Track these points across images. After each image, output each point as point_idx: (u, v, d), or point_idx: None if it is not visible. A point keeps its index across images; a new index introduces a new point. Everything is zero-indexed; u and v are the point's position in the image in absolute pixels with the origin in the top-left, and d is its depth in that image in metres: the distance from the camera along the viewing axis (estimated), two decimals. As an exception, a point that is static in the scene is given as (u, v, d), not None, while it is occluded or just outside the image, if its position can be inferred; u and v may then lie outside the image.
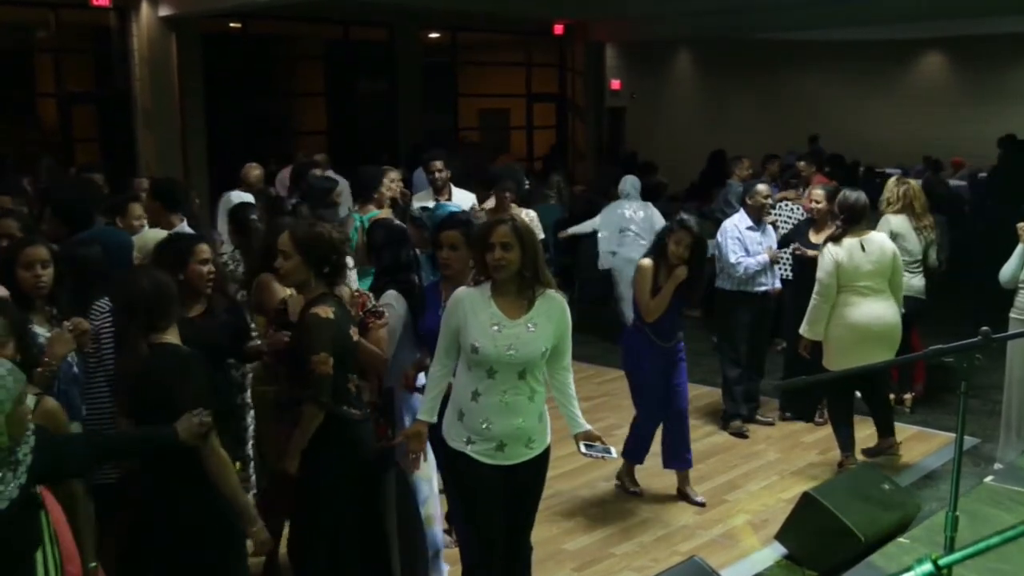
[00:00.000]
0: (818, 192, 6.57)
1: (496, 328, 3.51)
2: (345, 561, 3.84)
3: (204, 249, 4.07)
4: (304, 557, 3.88)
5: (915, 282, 6.54)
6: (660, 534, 5.11)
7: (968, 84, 19.87)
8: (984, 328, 2.37)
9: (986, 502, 3.05)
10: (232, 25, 13.78)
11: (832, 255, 5.67)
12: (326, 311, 3.65)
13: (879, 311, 5.65)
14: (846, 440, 5.87)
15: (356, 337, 3.84)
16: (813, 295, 5.73)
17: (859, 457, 5.97)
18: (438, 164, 7.07)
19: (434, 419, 3.71)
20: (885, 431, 6.04)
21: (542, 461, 3.74)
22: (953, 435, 5.39)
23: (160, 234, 4.83)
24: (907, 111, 20.17)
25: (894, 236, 6.25)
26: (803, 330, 5.82)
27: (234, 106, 13.70)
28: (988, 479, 3.38)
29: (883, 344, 5.61)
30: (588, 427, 3.72)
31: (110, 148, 12.61)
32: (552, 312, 3.60)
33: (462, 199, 7.10)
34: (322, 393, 3.59)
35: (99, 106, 13.10)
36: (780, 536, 4.83)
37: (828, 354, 5.75)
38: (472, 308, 3.56)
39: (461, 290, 3.67)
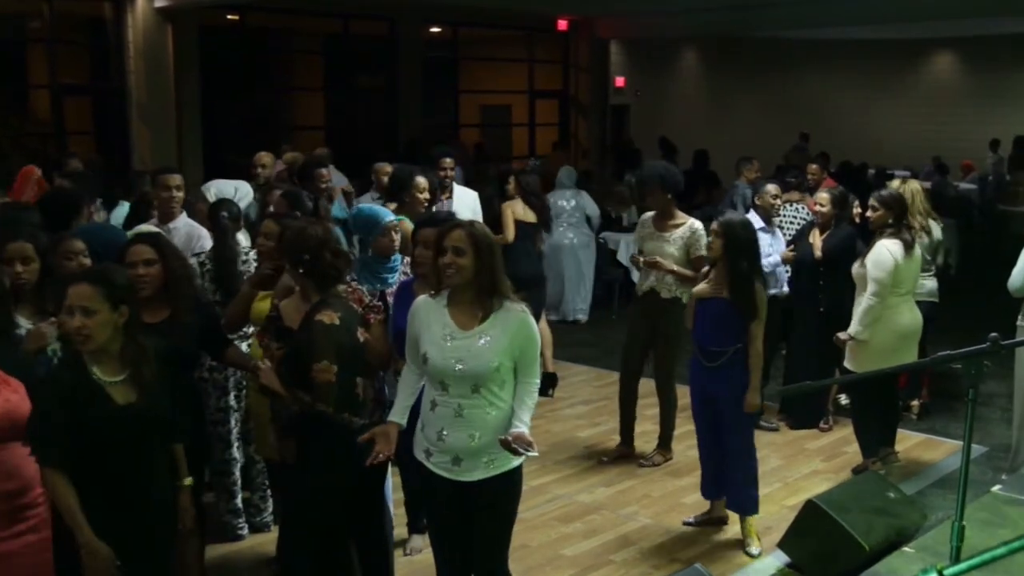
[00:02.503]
0: (823, 195, 6.55)
1: (447, 339, 3.44)
2: (336, 566, 3.83)
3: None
4: (293, 561, 3.88)
5: (930, 284, 6.55)
6: (660, 541, 5.10)
7: (978, 85, 19.86)
8: (993, 334, 2.36)
9: (993, 512, 3.04)
10: (229, 17, 13.78)
11: (890, 253, 5.56)
12: (331, 316, 3.61)
13: (915, 314, 5.75)
14: (870, 444, 5.88)
15: (363, 337, 3.82)
16: (869, 295, 5.56)
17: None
18: (448, 161, 6.99)
19: (403, 422, 3.62)
20: (885, 440, 6.00)
21: (507, 482, 3.54)
22: (960, 443, 5.38)
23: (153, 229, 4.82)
24: (916, 112, 20.18)
25: None
26: (857, 332, 5.61)
27: (231, 100, 13.69)
28: (996, 488, 3.36)
29: (914, 345, 5.72)
30: (523, 429, 3.45)
31: (104, 141, 12.61)
32: (509, 325, 3.46)
33: (463, 197, 7.06)
34: (324, 402, 3.57)
35: (93, 98, 13.10)
36: (783, 544, 4.82)
37: (867, 357, 5.63)
38: (427, 317, 3.51)
39: (420, 299, 3.62)
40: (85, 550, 3.07)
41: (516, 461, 3.54)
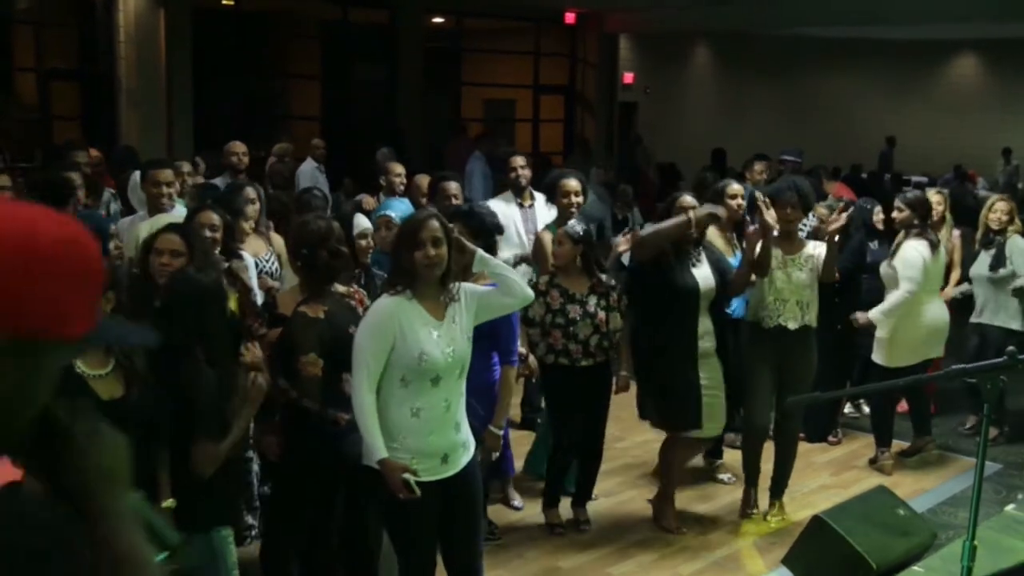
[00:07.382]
0: (820, 209, 6.54)
1: (436, 333, 3.46)
2: (320, 571, 3.85)
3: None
4: (275, 565, 3.90)
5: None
6: (661, 554, 5.11)
7: (1002, 90, 19.87)
8: (1010, 348, 2.37)
9: (1006, 531, 3.06)
10: (224, 1, 13.80)
11: (919, 252, 5.99)
12: (315, 310, 3.65)
13: (942, 309, 6.25)
14: (887, 435, 6.21)
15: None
16: (904, 291, 5.96)
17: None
18: (519, 160, 6.46)
19: (385, 452, 3.45)
20: (921, 430, 6.36)
21: (475, 462, 3.73)
22: (974, 460, 5.39)
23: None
24: (935, 116, 20.18)
25: None
26: (877, 319, 6.06)
27: (224, 87, 13.71)
28: (1010, 507, 3.38)
29: (942, 340, 6.24)
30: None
31: (92, 128, 12.62)
32: (461, 299, 3.56)
33: (543, 205, 6.42)
34: (310, 396, 3.59)
35: (81, 84, 13.11)
36: (787, 561, 4.82)
37: (892, 350, 6.09)
38: (407, 317, 3.44)
39: (388, 301, 3.48)
40: None
41: (475, 444, 3.72)
